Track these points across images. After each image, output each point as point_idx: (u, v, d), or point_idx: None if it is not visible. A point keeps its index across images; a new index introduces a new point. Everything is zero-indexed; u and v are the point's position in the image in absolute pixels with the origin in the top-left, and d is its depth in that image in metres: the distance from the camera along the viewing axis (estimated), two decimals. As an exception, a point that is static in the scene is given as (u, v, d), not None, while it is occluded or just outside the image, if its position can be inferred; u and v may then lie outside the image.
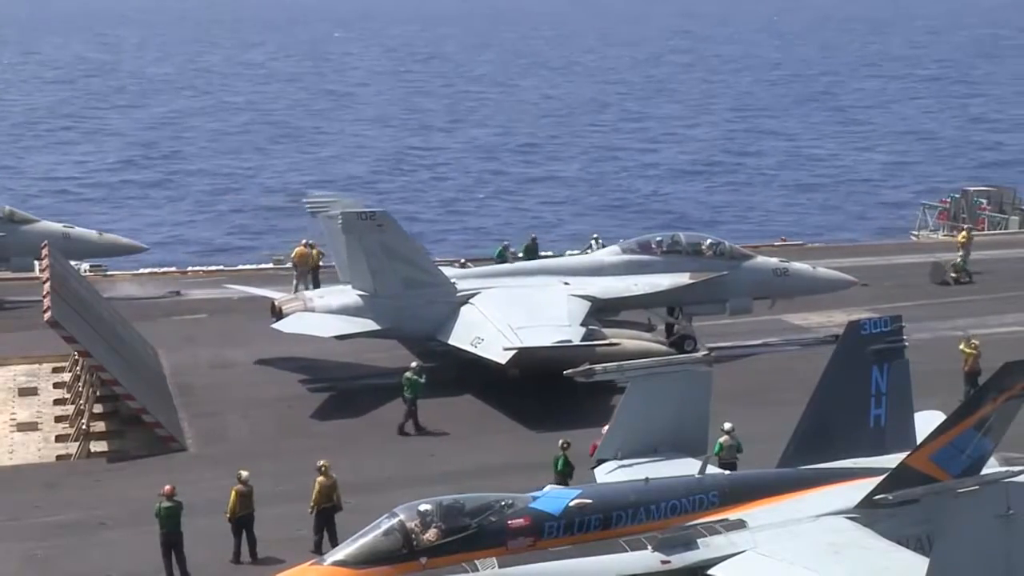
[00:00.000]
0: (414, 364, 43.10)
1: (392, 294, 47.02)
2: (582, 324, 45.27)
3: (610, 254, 51.49)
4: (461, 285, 48.19)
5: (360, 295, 47.41)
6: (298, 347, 49.97)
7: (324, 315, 47.23)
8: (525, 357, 43.29)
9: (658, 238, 51.86)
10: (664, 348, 46.02)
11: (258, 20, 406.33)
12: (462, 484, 32.01)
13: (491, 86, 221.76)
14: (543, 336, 43.99)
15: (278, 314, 47.59)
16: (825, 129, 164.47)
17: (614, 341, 44.61)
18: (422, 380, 42.15)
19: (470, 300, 47.36)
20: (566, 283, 48.96)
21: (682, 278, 50.01)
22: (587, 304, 47.18)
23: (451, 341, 46.04)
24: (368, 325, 47.04)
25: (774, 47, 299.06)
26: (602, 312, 48.09)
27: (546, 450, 38.82)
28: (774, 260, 52.65)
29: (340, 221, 46.99)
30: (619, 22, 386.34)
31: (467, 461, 38.88)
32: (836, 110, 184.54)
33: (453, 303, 47.34)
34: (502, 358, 43.47)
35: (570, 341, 43.77)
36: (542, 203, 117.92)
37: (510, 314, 45.54)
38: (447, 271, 50.06)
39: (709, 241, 51.80)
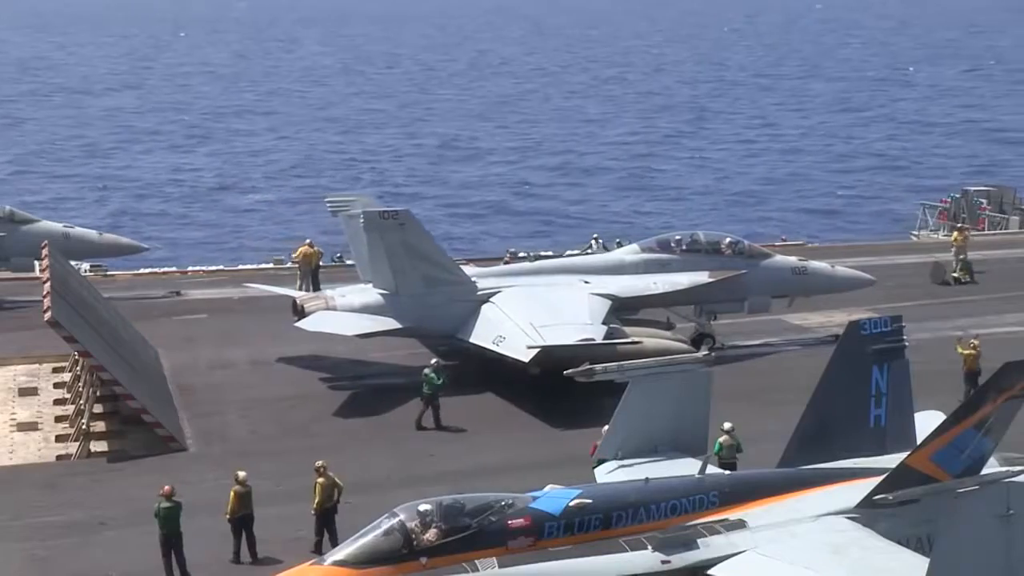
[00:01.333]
0: (433, 361, 43.28)
1: (413, 293, 47.10)
2: (603, 323, 45.42)
3: (629, 253, 51.61)
4: (481, 284, 48.30)
5: (382, 294, 47.48)
6: (298, 347, 50.02)
7: (347, 314, 47.27)
8: (547, 355, 43.16)
9: (677, 237, 51.98)
10: (685, 346, 46.15)
11: (241, 20, 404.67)
12: (462, 484, 32.07)
13: (438, 87, 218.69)
14: (566, 335, 44.05)
15: (300, 313, 47.56)
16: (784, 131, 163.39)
17: (636, 339, 44.59)
18: (438, 380, 42.21)
19: (491, 299, 47.47)
20: (586, 282, 49.05)
21: (701, 276, 50.18)
22: (607, 303, 47.33)
23: (472, 339, 46.14)
24: (390, 324, 47.10)
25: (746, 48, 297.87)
26: (622, 310, 48.20)
27: (547, 449, 39.00)
28: (793, 259, 52.84)
29: (362, 220, 47.09)
30: (600, 21, 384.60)
31: (467, 461, 38.88)
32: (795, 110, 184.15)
33: (474, 302, 47.43)
34: (525, 356, 43.46)
35: (593, 339, 43.84)
36: (447, 206, 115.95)
37: (532, 312, 45.67)
38: (468, 270, 50.15)
39: (728, 240, 51.97)
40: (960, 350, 43.72)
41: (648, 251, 51.04)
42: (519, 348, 43.92)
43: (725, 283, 50.16)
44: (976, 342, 43.84)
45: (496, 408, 44.36)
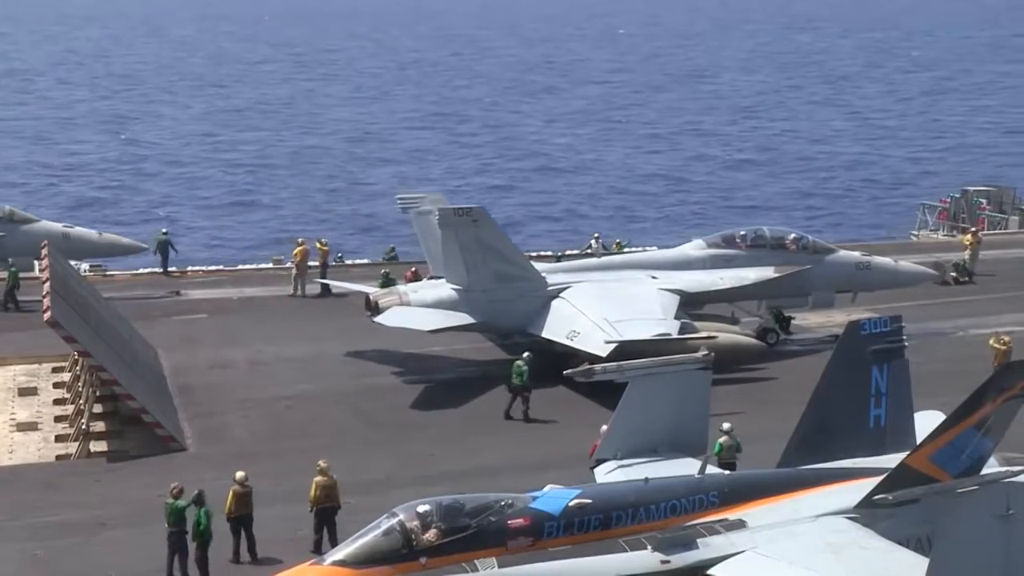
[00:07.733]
0: (525, 355, 43.39)
1: (485, 288, 47.38)
2: (675, 318, 45.80)
3: (695, 248, 51.96)
4: (550, 279, 48.59)
5: (454, 289, 47.77)
6: (296, 347, 50.03)
7: (420, 309, 47.55)
8: (624, 350, 42.73)
9: (742, 232, 52.46)
10: (754, 342, 46.20)
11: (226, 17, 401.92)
12: (462, 484, 32.02)
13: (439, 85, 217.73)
14: (642, 329, 44.42)
15: (374, 309, 47.80)
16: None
17: (711, 334, 44.52)
18: (527, 372, 42.40)
19: (561, 294, 47.81)
20: (654, 277, 49.35)
21: (767, 272, 50.54)
22: (676, 298, 47.75)
23: (545, 334, 46.59)
24: (462, 319, 47.50)
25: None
26: (688, 305, 48.57)
27: (547, 449, 38.95)
28: (856, 254, 53.44)
29: (437, 217, 47.57)
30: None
31: (467, 461, 38.85)
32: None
33: (544, 297, 47.79)
34: (602, 351, 43.50)
35: (669, 334, 44.14)
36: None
37: (605, 308, 46.02)
38: (538, 266, 50.42)
39: (793, 235, 52.49)
40: (993, 344, 43.86)
41: (714, 246, 51.59)
42: (595, 343, 44.15)
43: (790, 278, 50.52)
44: (1007, 338, 44.06)
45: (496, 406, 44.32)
